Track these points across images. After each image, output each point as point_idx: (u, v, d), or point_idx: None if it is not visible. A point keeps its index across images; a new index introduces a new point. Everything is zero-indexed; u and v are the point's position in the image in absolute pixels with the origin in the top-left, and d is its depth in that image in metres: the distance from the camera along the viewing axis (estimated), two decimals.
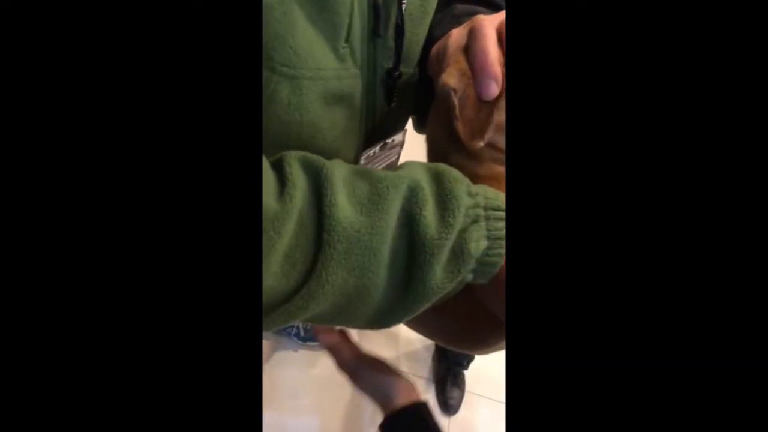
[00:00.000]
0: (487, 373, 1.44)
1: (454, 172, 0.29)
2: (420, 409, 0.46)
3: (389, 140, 0.43)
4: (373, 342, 1.46)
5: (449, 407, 1.37)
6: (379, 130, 0.41)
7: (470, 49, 0.32)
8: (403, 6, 0.35)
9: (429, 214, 0.27)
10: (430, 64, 0.36)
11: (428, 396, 1.39)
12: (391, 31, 0.36)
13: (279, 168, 0.27)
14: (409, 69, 0.40)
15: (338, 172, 0.28)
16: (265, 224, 0.25)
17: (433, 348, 1.50)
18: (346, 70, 0.34)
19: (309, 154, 0.28)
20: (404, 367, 1.42)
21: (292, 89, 0.31)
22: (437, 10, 0.41)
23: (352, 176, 0.28)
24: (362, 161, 0.41)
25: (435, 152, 0.37)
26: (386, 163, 0.45)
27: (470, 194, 0.28)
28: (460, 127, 0.32)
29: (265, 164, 0.27)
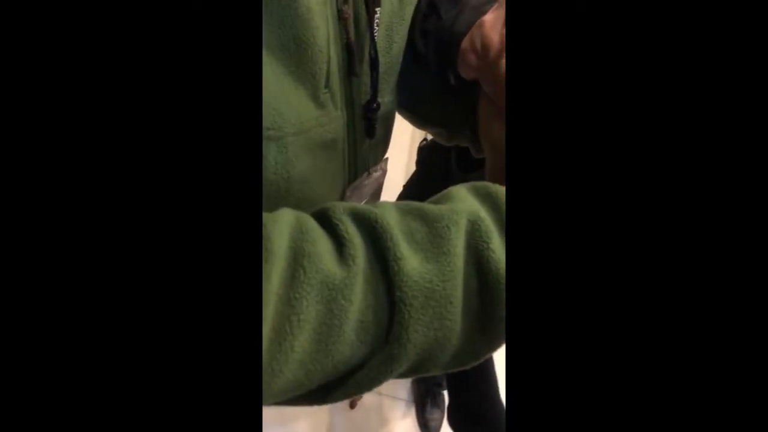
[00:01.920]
0: None
1: None
2: None
3: (372, 169, 0.44)
4: None
5: (430, 428, 1.35)
6: (362, 163, 0.41)
7: None
8: (375, 38, 0.35)
9: (497, 247, 0.25)
10: (465, 61, 0.35)
11: (408, 419, 1.38)
12: (365, 67, 0.36)
13: (328, 226, 0.25)
14: (384, 98, 0.40)
15: (391, 219, 0.26)
16: (333, 294, 0.23)
17: None
18: (327, 115, 0.34)
19: (355, 205, 0.27)
20: (383, 389, 1.41)
21: (278, 149, 0.31)
22: (445, 9, 0.40)
23: (405, 219, 0.26)
24: (348, 192, 0.41)
25: (498, 150, 0.35)
26: (371, 191, 0.45)
27: None
28: None
29: (315, 224, 0.26)
